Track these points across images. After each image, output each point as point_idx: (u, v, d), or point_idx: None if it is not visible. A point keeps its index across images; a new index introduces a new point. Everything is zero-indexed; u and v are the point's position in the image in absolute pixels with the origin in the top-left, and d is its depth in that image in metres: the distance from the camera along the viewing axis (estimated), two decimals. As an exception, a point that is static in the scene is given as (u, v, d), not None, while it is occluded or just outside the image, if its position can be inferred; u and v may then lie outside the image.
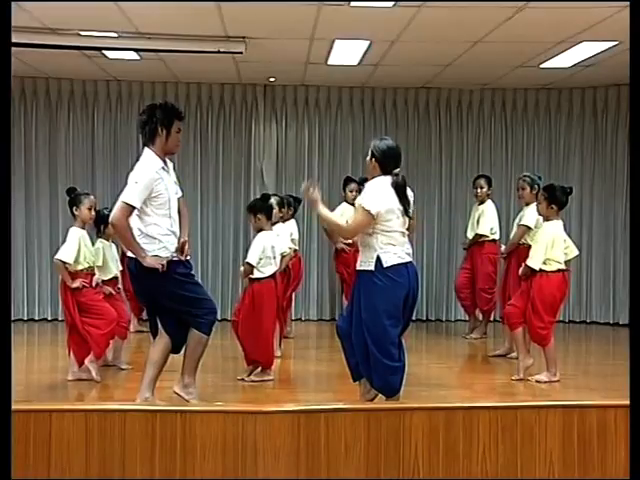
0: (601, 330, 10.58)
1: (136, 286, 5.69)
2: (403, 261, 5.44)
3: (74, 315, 6.66)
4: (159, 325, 5.62)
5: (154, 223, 5.40)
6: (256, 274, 6.81)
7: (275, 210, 7.44)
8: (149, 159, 5.43)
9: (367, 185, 5.55)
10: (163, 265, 5.35)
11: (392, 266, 5.39)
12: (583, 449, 4.73)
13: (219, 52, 8.27)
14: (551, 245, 6.72)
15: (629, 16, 4.41)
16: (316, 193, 5.50)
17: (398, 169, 5.48)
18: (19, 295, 10.41)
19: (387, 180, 5.45)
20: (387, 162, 5.45)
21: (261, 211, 6.92)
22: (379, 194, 5.40)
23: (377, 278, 5.38)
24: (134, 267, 5.44)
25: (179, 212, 5.61)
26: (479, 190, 9.07)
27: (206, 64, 9.30)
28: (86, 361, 6.71)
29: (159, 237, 5.41)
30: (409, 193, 5.56)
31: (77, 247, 6.68)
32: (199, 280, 10.23)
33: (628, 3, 4.88)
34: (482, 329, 9.35)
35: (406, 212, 5.45)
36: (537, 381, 6.80)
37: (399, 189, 5.44)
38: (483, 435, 4.66)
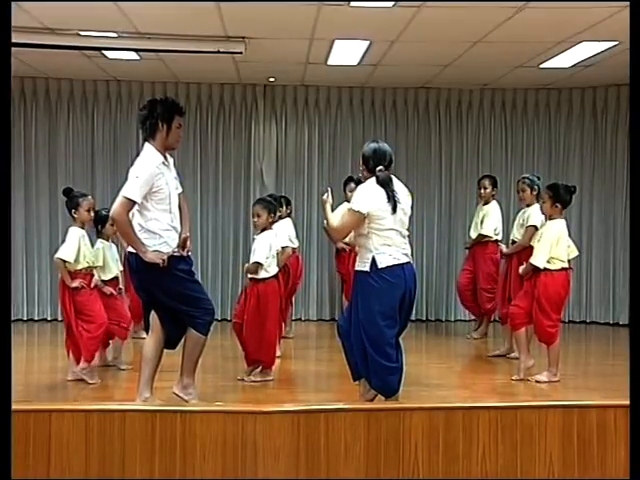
0: (601, 330, 10.58)
1: (136, 281, 5.69)
2: (399, 262, 5.44)
3: (70, 315, 6.65)
4: (152, 321, 5.61)
5: (154, 218, 5.40)
6: (262, 274, 6.80)
7: None
8: (150, 154, 5.42)
9: (357, 189, 5.61)
10: (164, 260, 5.35)
11: (387, 267, 5.39)
12: (583, 449, 4.74)
13: (219, 52, 8.26)
14: (556, 243, 6.72)
15: (629, 16, 4.41)
16: (328, 197, 5.70)
17: (380, 167, 5.51)
18: (19, 295, 10.40)
19: (374, 180, 5.50)
20: (369, 162, 5.55)
21: (274, 211, 7.03)
22: (367, 194, 5.44)
23: (372, 279, 5.40)
24: (134, 262, 5.44)
25: (180, 208, 5.60)
26: (483, 190, 9.05)
27: (206, 64, 9.29)
28: (77, 368, 6.69)
29: (160, 232, 5.41)
30: (403, 191, 5.57)
31: (77, 246, 6.67)
32: (199, 280, 10.34)
33: (628, 3, 4.89)
34: (483, 329, 9.34)
35: (394, 209, 5.44)
36: (537, 381, 6.80)
37: (380, 183, 5.46)
38: (483, 435, 4.66)
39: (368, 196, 5.43)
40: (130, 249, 5.49)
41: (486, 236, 8.94)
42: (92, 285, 6.80)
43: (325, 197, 5.68)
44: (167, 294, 5.46)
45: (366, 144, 5.73)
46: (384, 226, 5.42)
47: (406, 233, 5.58)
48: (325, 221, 5.69)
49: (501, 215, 9.12)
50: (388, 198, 5.43)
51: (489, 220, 8.93)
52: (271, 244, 6.86)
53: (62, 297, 6.72)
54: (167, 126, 5.45)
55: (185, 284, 5.53)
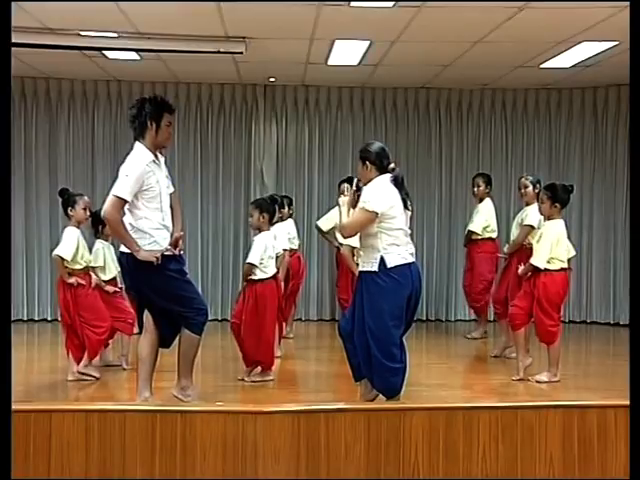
0: (601, 330, 10.58)
1: (127, 281, 5.69)
2: (406, 261, 5.45)
3: (73, 316, 6.66)
4: (145, 320, 5.60)
5: (145, 217, 5.39)
6: (259, 274, 6.79)
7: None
8: (139, 153, 5.42)
9: (367, 187, 5.54)
10: (157, 258, 5.32)
11: (396, 267, 5.39)
12: (583, 449, 4.74)
13: (219, 52, 8.26)
14: (556, 244, 6.73)
15: (629, 16, 4.41)
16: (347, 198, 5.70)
17: (393, 164, 5.56)
18: (19, 295, 10.41)
19: (386, 178, 5.48)
20: (382, 161, 5.53)
21: (268, 211, 6.95)
22: (382, 193, 5.43)
23: (381, 279, 5.39)
24: (126, 261, 5.44)
25: (172, 207, 5.58)
26: (476, 189, 9.09)
27: (206, 64, 9.29)
28: (80, 366, 6.70)
29: (150, 231, 5.39)
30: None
31: (76, 245, 6.68)
32: (199, 280, 10.35)
33: (628, 3, 4.88)
34: (483, 329, 9.34)
35: (405, 205, 5.49)
36: (537, 381, 6.80)
37: (399, 182, 5.50)
38: (483, 435, 4.66)
39: (382, 195, 5.42)
40: (122, 248, 5.47)
41: (474, 232, 8.95)
42: (93, 285, 6.81)
43: (347, 198, 5.68)
44: (158, 294, 5.45)
45: (364, 146, 5.69)
46: (394, 225, 5.43)
47: (409, 232, 5.59)
48: (339, 221, 5.66)
49: (495, 213, 9.12)
50: (401, 197, 5.45)
51: (478, 217, 8.96)
52: (267, 245, 6.84)
53: (62, 298, 6.72)
54: (156, 124, 5.43)
55: (176, 284, 5.50)
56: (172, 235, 5.52)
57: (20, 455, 4.38)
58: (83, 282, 6.70)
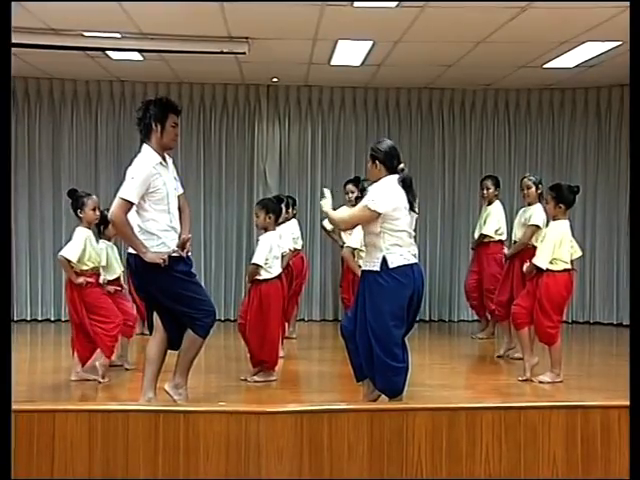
0: (605, 331, 10.57)
1: (135, 282, 5.70)
2: (409, 262, 5.44)
3: (81, 315, 6.65)
4: (155, 321, 5.61)
5: (152, 219, 5.39)
6: (264, 275, 6.78)
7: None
8: (146, 155, 5.43)
9: (374, 186, 5.54)
10: (164, 260, 5.32)
11: (398, 267, 5.39)
12: (587, 449, 4.74)
13: (222, 53, 8.27)
14: (559, 244, 6.71)
15: (629, 16, 4.40)
16: (325, 201, 5.77)
17: (402, 164, 5.55)
18: (22, 296, 10.42)
19: (394, 179, 5.48)
20: (392, 160, 5.52)
21: (274, 211, 6.96)
22: (388, 194, 5.42)
23: (382, 279, 5.39)
24: (133, 263, 5.44)
25: (180, 209, 5.59)
26: (486, 191, 9.05)
27: (209, 65, 9.30)
28: (96, 363, 6.71)
29: (157, 233, 5.39)
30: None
31: (83, 247, 6.68)
32: (202, 281, 10.34)
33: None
34: (490, 329, 9.33)
35: (412, 208, 5.48)
36: (540, 381, 6.79)
37: (407, 184, 5.49)
38: (486, 435, 4.66)
39: (387, 196, 5.41)
40: (130, 250, 5.48)
41: (487, 236, 8.94)
42: (101, 283, 6.82)
43: (325, 199, 5.73)
44: (166, 295, 5.45)
45: (376, 143, 5.66)
46: (398, 227, 5.42)
47: (413, 234, 5.59)
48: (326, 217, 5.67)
49: (504, 215, 9.11)
50: (407, 199, 5.45)
51: (491, 220, 8.94)
52: (272, 245, 6.84)
53: (71, 297, 6.71)
54: (161, 126, 5.45)
55: (184, 285, 5.50)
56: (180, 236, 5.53)
57: (23, 455, 4.39)
58: (92, 280, 6.70)
